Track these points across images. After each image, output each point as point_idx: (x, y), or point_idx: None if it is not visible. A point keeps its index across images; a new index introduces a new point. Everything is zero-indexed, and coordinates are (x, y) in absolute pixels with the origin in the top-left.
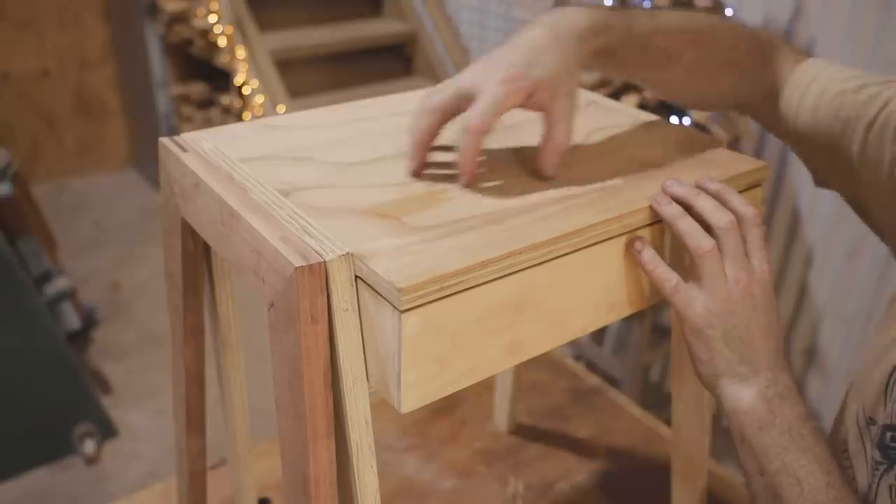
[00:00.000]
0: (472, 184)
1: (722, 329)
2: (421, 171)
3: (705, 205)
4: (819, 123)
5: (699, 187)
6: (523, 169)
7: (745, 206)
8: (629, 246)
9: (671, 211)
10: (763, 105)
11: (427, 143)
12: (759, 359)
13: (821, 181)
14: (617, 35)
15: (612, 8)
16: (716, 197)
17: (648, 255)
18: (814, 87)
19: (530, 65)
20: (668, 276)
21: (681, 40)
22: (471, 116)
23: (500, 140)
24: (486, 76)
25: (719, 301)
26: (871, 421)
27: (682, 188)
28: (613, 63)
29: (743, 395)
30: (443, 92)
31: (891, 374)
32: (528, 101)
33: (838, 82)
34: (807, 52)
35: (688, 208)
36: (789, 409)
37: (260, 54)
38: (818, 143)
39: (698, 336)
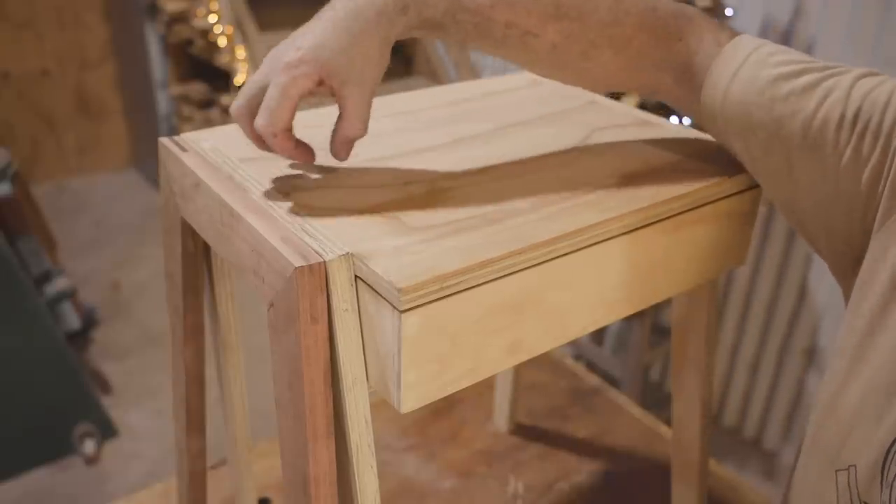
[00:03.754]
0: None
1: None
2: (305, 152)
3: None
4: (750, 118)
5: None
6: (523, 169)
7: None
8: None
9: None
10: (676, 89)
11: (265, 146)
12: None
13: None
14: (437, 9)
15: None
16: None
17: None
18: (742, 75)
19: (319, 46)
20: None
21: (535, 13)
22: (258, 122)
23: (500, 140)
24: (275, 63)
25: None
26: None
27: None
28: (448, 37)
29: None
30: (242, 94)
31: (888, 452)
32: (319, 88)
33: (771, 68)
34: (731, 29)
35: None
36: None
37: (260, 54)
38: (750, 141)
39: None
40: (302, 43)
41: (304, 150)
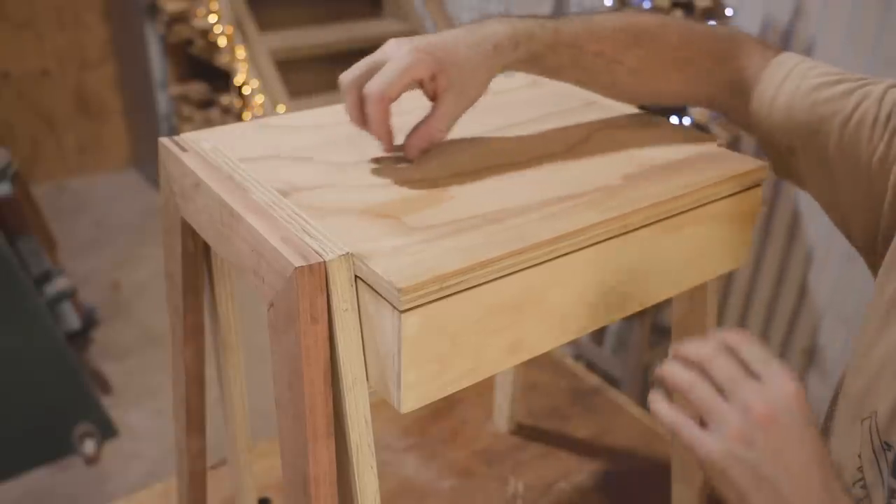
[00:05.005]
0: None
1: (744, 465)
2: (390, 140)
3: (687, 349)
4: (794, 119)
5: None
6: (523, 168)
7: (728, 335)
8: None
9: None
10: (730, 101)
11: (361, 121)
12: (802, 495)
13: (782, 171)
14: (542, 43)
15: (539, 17)
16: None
17: (655, 401)
18: (788, 84)
19: (445, 49)
20: (669, 417)
21: (619, 43)
22: (372, 84)
23: (501, 140)
24: (400, 46)
25: (731, 436)
26: (887, 446)
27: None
28: (545, 70)
29: None
30: (356, 68)
31: None
32: (429, 84)
33: (813, 78)
34: (776, 47)
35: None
36: None
37: (260, 54)
38: (794, 139)
39: (720, 478)
40: (431, 41)
41: (390, 131)
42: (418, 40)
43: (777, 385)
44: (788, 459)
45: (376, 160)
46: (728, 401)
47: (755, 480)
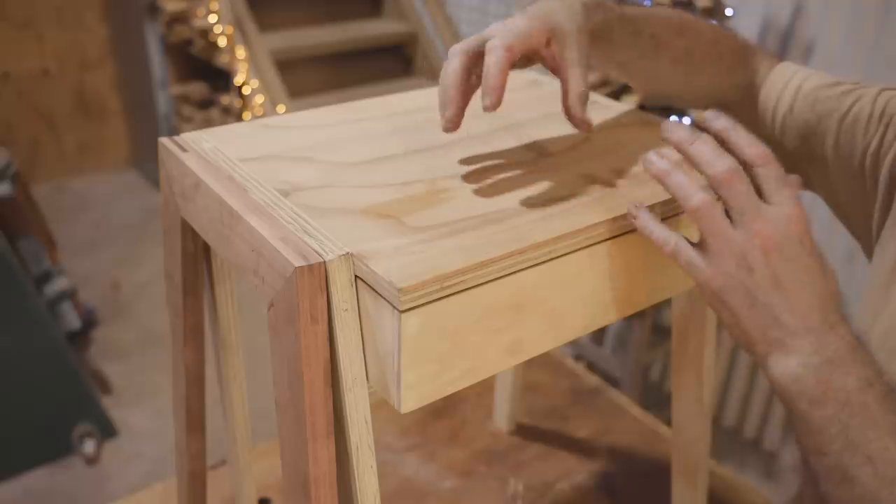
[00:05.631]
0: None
1: (742, 290)
2: (458, 121)
3: (701, 151)
4: (796, 119)
5: (701, 128)
6: (523, 169)
7: (750, 147)
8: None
9: (660, 166)
10: (741, 103)
11: (458, 86)
12: (797, 320)
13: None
14: (614, 14)
15: None
16: (719, 137)
17: (644, 219)
18: (790, 86)
19: (550, 14)
20: (665, 238)
21: (669, 28)
22: (495, 38)
23: (500, 140)
24: (507, 21)
25: (731, 259)
26: None
27: (679, 133)
28: (608, 46)
29: (784, 365)
30: (468, 39)
31: None
32: (546, 50)
33: (811, 81)
34: (778, 57)
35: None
36: (842, 376)
37: (260, 54)
38: (795, 138)
39: (715, 301)
40: (534, 12)
41: (504, 83)
42: (525, 13)
43: (784, 211)
44: (788, 286)
45: (376, 160)
46: (734, 225)
47: (750, 303)
